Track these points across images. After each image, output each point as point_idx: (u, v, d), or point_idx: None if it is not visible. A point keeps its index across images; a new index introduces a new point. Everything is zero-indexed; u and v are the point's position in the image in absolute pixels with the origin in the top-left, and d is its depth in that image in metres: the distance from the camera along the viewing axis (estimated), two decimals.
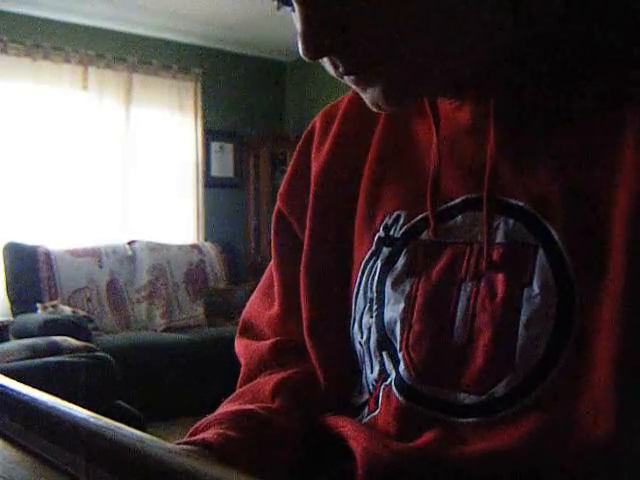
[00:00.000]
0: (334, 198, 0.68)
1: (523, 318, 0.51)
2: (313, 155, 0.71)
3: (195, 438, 0.58)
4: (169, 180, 4.99)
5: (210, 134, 5.27)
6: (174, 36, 5.08)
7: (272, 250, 0.75)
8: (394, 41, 0.50)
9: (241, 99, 5.43)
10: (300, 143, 0.75)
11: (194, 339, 4.01)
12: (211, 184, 5.28)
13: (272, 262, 0.75)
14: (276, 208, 0.75)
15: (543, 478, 0.50)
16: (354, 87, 0.55)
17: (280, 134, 5.35)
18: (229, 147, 5.43)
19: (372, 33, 0.50)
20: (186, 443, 0.57)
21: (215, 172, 5.36)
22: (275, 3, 0.54)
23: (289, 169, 0.75)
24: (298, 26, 0.51)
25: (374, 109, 0.56)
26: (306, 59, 0.51)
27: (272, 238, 0.75)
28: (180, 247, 4.68)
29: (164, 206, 4.98)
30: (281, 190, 0.75)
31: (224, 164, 5.41)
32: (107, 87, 4.73)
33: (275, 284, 0.74)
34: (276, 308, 0.73)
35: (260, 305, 0.76)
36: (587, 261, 0.50)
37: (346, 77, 0.53)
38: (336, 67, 0.53)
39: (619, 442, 0.47)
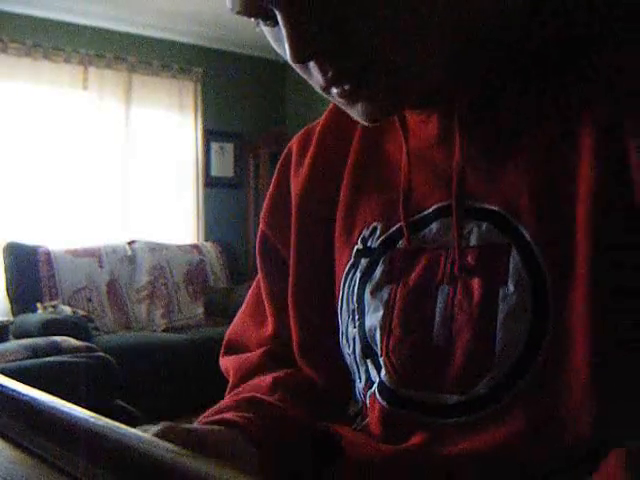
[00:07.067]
0: (315, 218, 0.69)
1: (500, 316, 0.53)
2: (292, 177, 0.72)
3: (217, 418, 0.57)
4: (169, 180, 4.99)
5: (210, 134, 5.26)
6: (174, 36, 5.08)
7: (259, 273, 0.76)
8: (382, 43, 0.50)
9: (241, 99, 5.43)
10: (278, 165, 0.76)
11: (194, 339, 4.01)
12: (211, 184, 5.28)
13: (260, 284, 0.76)
14: (260, 231, 0.76)
15: (527, 474, 0.51)
16: (339, 101, 0.55)
17: (280, 134, 5.34)
18: (229, 147, 5.43)
19: (361, 34, 0.50)
20: (210, 423, 0.57)
21: (215, 172, 5.36)
22: (253, 22, 0.54)
23: (269, 191, 0.76)
24: (283, 31, 0.51)
25: (363, 122, 0.56)
26: (293, 64, 0.51)
27: (258, 261, 0.76)
28: (180, 247, 4.67)
29: (164, 206, 4.98)
30: (263, 213, 0.76)
31: (224, 164, 5.41)
32: (107, 87, 4.73)
33: (267, 306, 0.75)
34: (269, 329, 0.74)
35: (248, 326, 0.77)
36: (557, 257, 0.52)
37: (333, 89, 0.53)
38: (325, 73, 0.52)
39: (600, 435, 0.48)
